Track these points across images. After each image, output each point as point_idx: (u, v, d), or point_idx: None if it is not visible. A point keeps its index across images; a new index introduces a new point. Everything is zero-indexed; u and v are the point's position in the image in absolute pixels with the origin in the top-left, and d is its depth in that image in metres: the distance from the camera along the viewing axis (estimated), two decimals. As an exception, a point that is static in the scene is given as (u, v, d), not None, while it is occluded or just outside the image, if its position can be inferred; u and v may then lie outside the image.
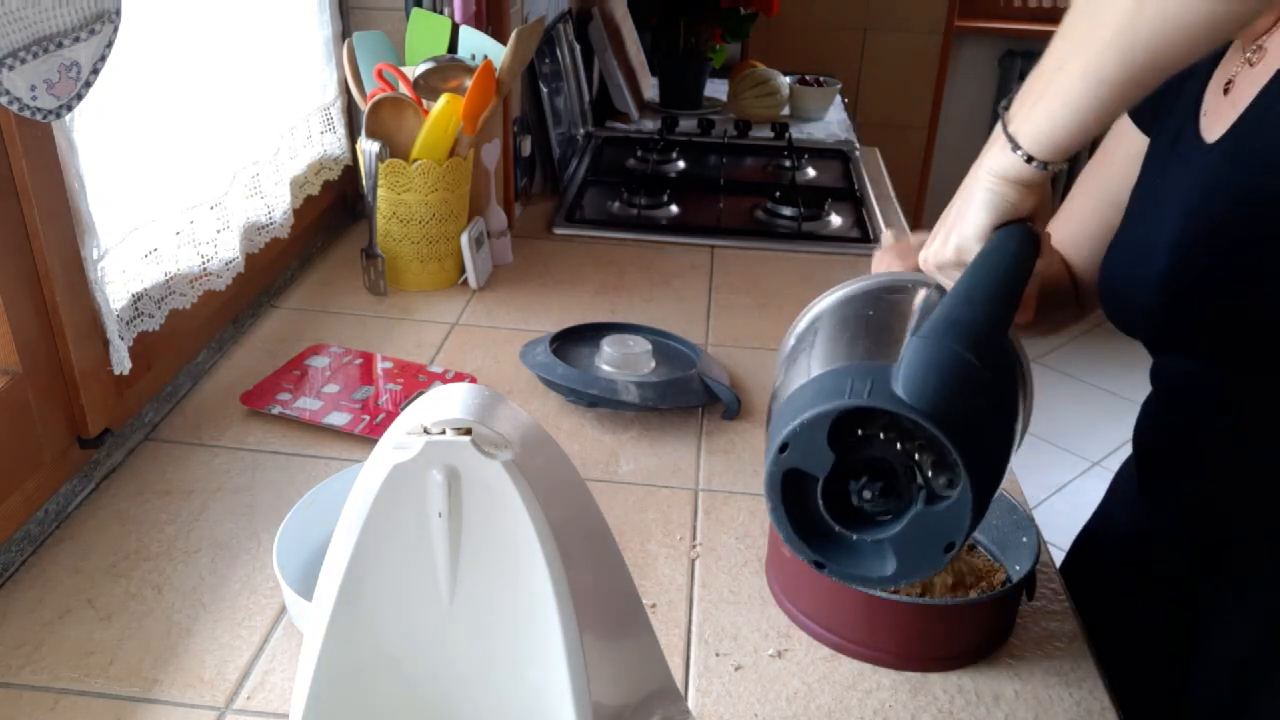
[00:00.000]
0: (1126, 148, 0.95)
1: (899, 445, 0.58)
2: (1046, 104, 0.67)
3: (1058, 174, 0.70)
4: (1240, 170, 0.77)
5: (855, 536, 0.60)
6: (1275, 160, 0.74)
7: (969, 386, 0.57)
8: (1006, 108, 0.71)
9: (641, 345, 1.17)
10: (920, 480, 0.58)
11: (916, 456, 0.58)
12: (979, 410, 0.58)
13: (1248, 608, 0.85)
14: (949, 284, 0.71)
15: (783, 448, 0.59)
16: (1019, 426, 0.69)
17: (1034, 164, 0.68)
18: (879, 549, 0.60)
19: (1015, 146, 0.69)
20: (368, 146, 1.29)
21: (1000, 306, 0.63)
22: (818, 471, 0.59)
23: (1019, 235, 0.69)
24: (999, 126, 0.70)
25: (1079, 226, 0.99)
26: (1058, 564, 0.98)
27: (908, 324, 0.70)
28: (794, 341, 0.75)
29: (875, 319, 0.71)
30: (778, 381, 0.71)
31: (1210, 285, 0.79)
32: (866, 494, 0.59)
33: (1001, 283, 0.65)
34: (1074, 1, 0.67)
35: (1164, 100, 0.90)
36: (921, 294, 0.73)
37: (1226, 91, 0.81)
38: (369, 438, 1.05)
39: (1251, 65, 0.79)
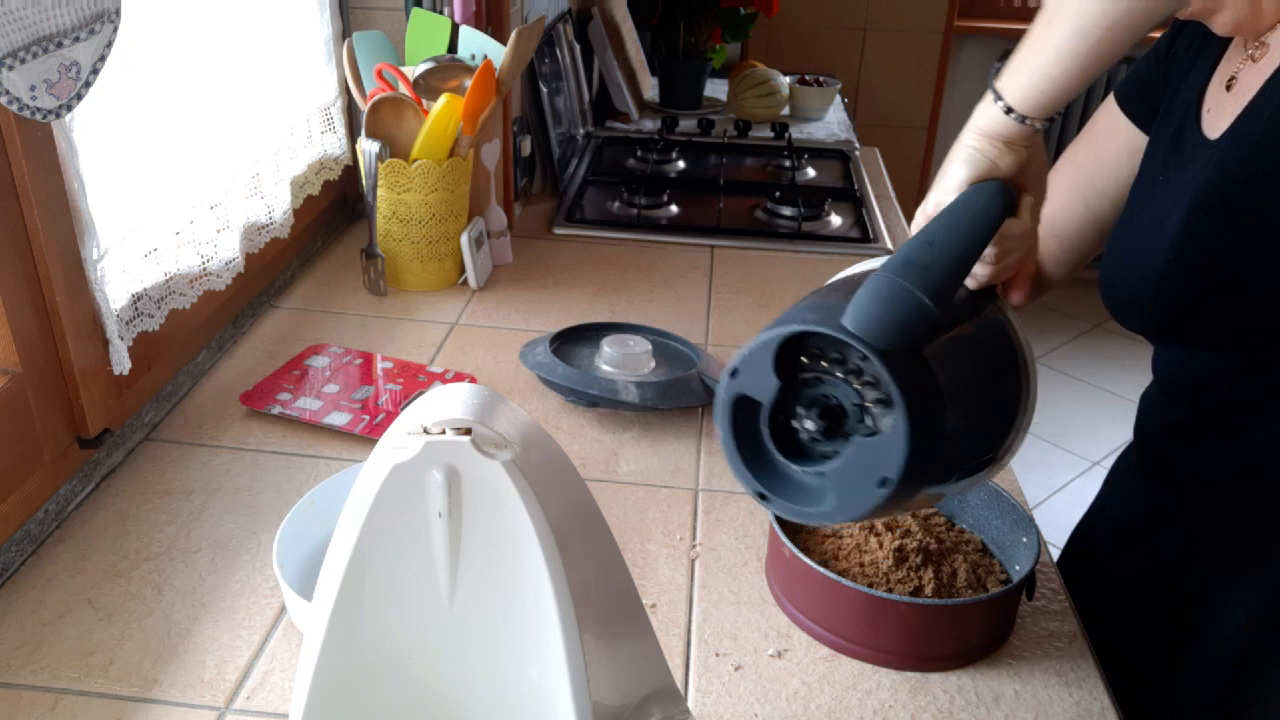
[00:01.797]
0: (1118, 140, 0.95)
1: (846, 380, 0.60)
2: (1032, 57, 0.69)
3: (1040, 132, 0.72)
4: (1246, 161, 0.77)
5: (797, 467, 0.62)
6: (1274, 151, 0.75)
7: (914, 319, 0.58)
8: (998, 71, 0.73)
9: (641, 345, 1.17)
10: (867, 422, 0.59)
11: (863, 396, 0.59)
12: (923, 343, 0.60)
13: (1249, 596, 0.86)
14: None
15: (733, 373, 0.61)
16: (1023, 400, 0.70)
17: (1013, 116, 0.70)
18: (820, 485, 0.62)
19: (998, 98, 0.71)
20: (368, 146, 1.29)
21: (958, 251, 0.65)
22: (763, 397, 0.61)
23: (990, 190, 0.71)
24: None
25: (1056, 203, 1.00)
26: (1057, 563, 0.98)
27: None
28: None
29: (855, 282, 0.73)
30: None
31: (1216, 272, 0.80)
32: (810, 424, 0.61)
33: (962, 231, 0.66)
34: None
35: (1161, 98, 0.91)
36: None
37: (1229, 88, 0.82)
38: (369, 438, 1.05)
39: (1255, 61, 0.80)
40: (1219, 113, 0.82)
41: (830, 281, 0.76)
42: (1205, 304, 0.81)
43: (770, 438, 0.62)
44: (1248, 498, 0.86)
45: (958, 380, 0.63)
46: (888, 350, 0.57)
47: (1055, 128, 3.77)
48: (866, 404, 0.59)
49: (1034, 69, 0.69)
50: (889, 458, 0.58)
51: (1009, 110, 0.70)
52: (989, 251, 0.70)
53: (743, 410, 0.62)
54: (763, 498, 0.63)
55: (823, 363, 0.61)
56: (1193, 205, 0.80)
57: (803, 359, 0.61)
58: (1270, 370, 0.81)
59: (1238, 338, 0.82)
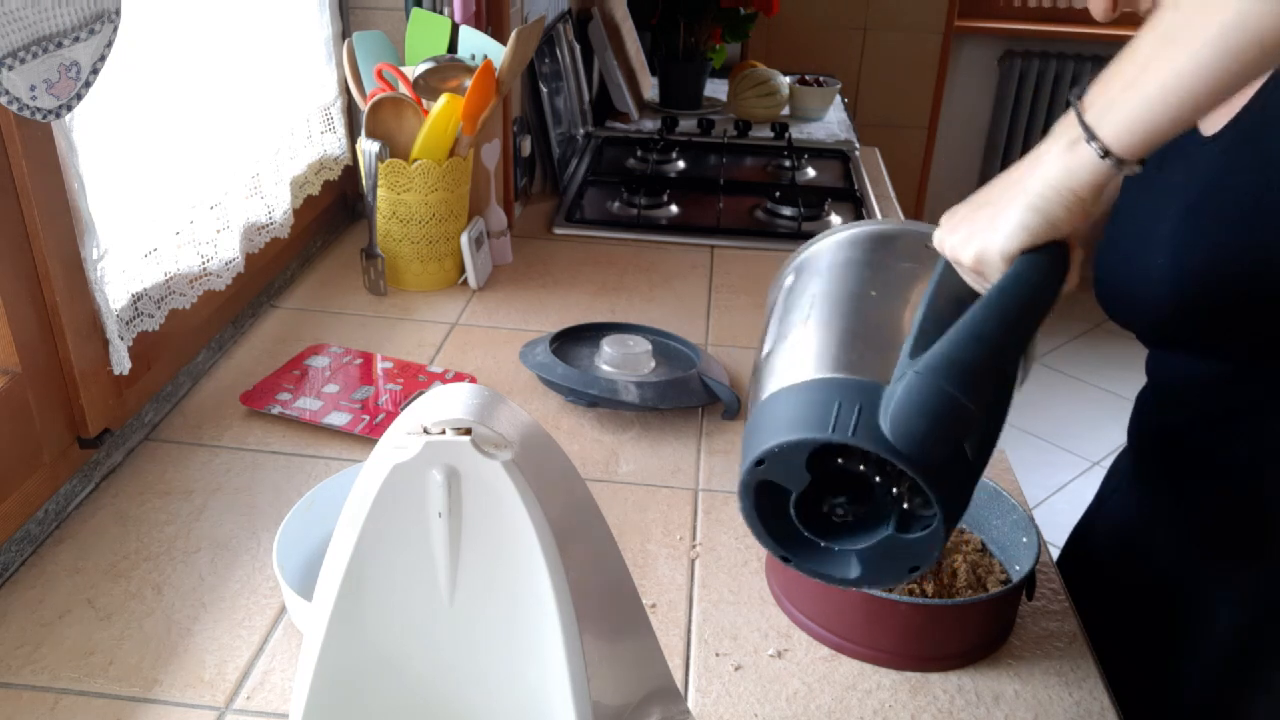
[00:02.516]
0: None
1: (878, 469, 0.57)
2: (1147, 85, 0.56)
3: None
4: (1241, 164, 0.77)
5: (823, 544, 0.60)
6: (1275, 153, 0.74)
7: (958, 431, 0.55)
8: (1079, 96, 0.60)
9: (641, 345, 1.17)
10: (895, 499, 0.58)
11: (894, 480, 0.57)
12: (962, 452, 0.57)
13: (1245, 597, 0.86)
14: (961, 273, 0.65)
15: (758, 462, 0.58)
16: (1017, 386, 0.68)
17: (1109, 161, 0.57)
18: (845, 555, 0.60)
19: (1091, 137, 0.57)
20: (368, 146, 1.29)
21: (1009, 348, 0.58)
22: (792, 487, 0.58)
23: (1045, 265, 0.60)
24: (1068, 116, 0.60)
25: None
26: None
27: (910, 317, 0.64)
28: (790, 283, 0.72)
29: (878, 304, 0.67)
30: (764, 348, 0.68)
31: (1214, 277, 0.79)
32: (840, 511, 0.59)
33: (1015, 322, 0.58)
34: None
35: None
36: (935, 270, 0.67)
37: None
38: (369, 438, 1.05)
39: None
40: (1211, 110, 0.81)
41: (849, 244, 0.71)
42: (1202, 307, 0.81)
43: (797, 517, 0.59)
44: (1243, 501, 0.86)
45: (975, 452, 0.60)
46: (932, 466, 0.54)
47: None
48: (898, 485, 0.57)
49: (1150, 100, 0.56)
50: (923, 552, 0.57)
51: (1106, 154, 0.57)
52: None
53: (768, 487, 0.59)
54: (785, 560, 0.61)
55: (858, 462, 0.57)
56: (1189, 206, 0.80)
57: (838, 458, 0.57)
58: (1267, 375, 0.81)
59: (1235, 342, 0.81)
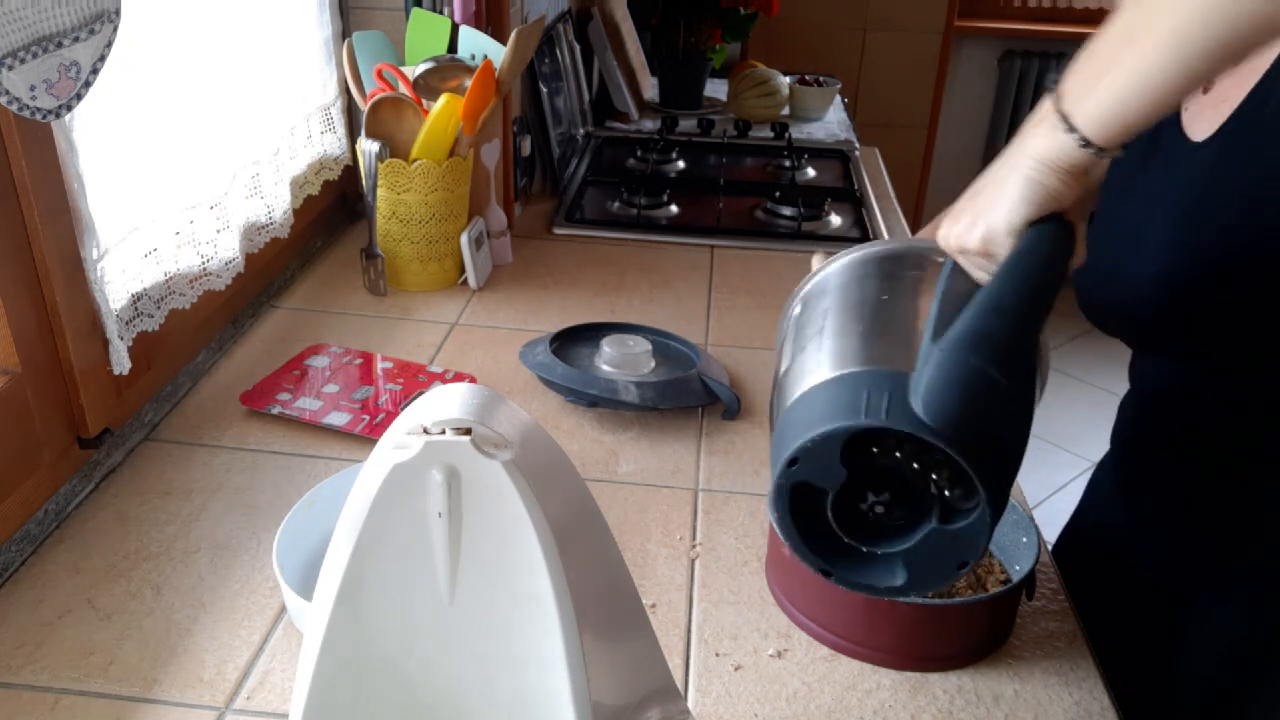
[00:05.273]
0: None
1: (914, 460, 0.56)
2: (1114, 79, 0.58)
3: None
4: (1237, 170, 0.76)
5: (865, 549, 0.59)
6: (1273, 160, 0.74)
7: (992, 405, 0.54)
8: (1056, 83, 0.62)
9: (641, 345, 1.17)
10: (936, 491, 0.57)
11: (932, 470, 0.56)
12: (1000, 430, 0.56)
13: (1233, 599, 0.85)
14: (969, 268, 0.65)
15: (792, 461, 0.57)
16: (1039, 395, 0.67)
17: (1089, 149, 0.59)
18: (889, 560, 0.59)
19: (1069, 128, 0.59)
20: (368, 146, 1.29)
21: (1030, 318, 0.58)
22: (828, 485, 0.57)
23: (1054, 236, 0.61)
24: (1046, 103, 0.62)
25: None
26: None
27: (926, 313, 0.64)
28: (799, 312, 0.72)
29: (891, 305, 0.67)
30: (782, 365, 0.68)
31: (1206, 285, 0.79)
32: (879, 509, 0.58)
33: (1033, 291, 0.59)
34: None
35: None
36: (942, 272, 0.67)
37: (1206, 90, 0.80)
38: (369, 438, 1.05)
39: None
40: (1198, 114, 0.81)
41: (857, 261, 0.71)
42: (1192, 315, 0.81)
43: (834, 520, 0.58)
44: (1233, 504, 0.85)
45: (1011, 433, 0.60)
46: (970, 442, 0.53)
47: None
48: (937, 476, 0.56)
49: (1117, 95, 0.58)
50: (970, 545, 0.56)
51: (1086, 144, 0.59)
52: None
53: (798, 491, 0.58)
54: (825, 574, 0.60)
55: (894, 449, 0.57)
56: (1181, 214, 0.79)
57: (873, 448, 0.57)
58: (1255, 381, 0.80)
59: (1224, 349, 0.81)
